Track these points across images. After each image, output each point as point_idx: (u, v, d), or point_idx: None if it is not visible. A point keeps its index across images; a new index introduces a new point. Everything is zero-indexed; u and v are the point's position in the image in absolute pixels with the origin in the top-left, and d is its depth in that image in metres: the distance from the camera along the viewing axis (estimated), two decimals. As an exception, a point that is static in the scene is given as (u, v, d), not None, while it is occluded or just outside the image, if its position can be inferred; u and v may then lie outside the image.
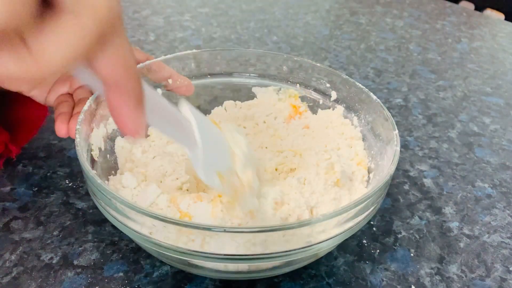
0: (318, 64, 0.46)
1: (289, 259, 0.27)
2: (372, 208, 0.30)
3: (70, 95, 0.40)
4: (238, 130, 0.34)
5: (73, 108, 0.39)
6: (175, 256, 0.27)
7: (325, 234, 0.27)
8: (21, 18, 0.15)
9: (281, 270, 0.32)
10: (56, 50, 0.16)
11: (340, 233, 0.28)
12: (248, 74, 0.49)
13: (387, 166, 0.33)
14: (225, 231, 0.25)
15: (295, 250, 0.27)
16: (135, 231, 0.27)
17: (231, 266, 0.30)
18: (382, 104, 0.39)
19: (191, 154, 0.29)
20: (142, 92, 0.21)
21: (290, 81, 0.48)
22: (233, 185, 0.32)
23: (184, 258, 0.27)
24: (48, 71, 0.16)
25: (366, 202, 0.29)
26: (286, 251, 0.26)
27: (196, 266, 0.31)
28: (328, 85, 0.46)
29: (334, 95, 0.45)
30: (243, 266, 0.30)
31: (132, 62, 0.20)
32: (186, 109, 0.30)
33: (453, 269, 0.37)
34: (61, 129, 0.37)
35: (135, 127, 0.21)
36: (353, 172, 0.39)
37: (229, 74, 0.49)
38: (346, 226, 0.28)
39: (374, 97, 0.40)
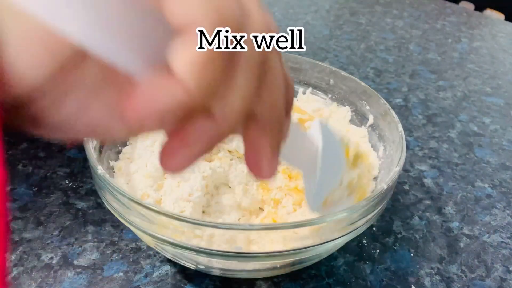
0: (322, 64, 0.46)
1: (294, 259, 0.27)
2: (378, 210, 0.30)
3: None
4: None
5: None
6: (182, 252, 0.27)
7: (329, 235, 0.27)
8: (213, 91, 0.14)
9: (284, 270, 0.32)
10: (234, 107, 0.15)
11: (344, 235, 0.28)
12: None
13: (392, 168, 0.33)
14: (231, 228, 0.25)
15: (295, 250, 0.27)
16: (140, 228, 0.27)
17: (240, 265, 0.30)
18: (389, 106, 0.38)
19: (306, 181, 0.27)
20: (287, 131, 0.19)
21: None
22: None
23: (190, 254, 0.27)
24: (229, 128, 0.16)
25: (371, 204, 0.28)
26: (288, 251, 0.26)
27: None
28: (332, 82, 0.45)
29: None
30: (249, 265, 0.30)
31: (281, 99, 0.17)
32: (316, 129, 0.27)
33: (453, 269, 0.37)
34: None
35: (271, 172, 0.18)
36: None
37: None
38: (350, 227, 0.28)
39: (380, 98, 0.40)
